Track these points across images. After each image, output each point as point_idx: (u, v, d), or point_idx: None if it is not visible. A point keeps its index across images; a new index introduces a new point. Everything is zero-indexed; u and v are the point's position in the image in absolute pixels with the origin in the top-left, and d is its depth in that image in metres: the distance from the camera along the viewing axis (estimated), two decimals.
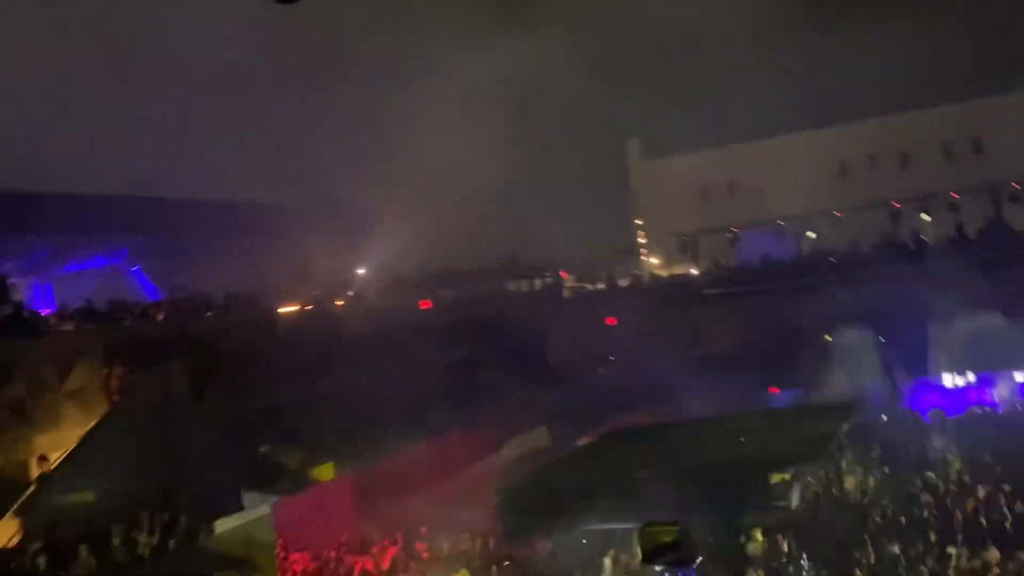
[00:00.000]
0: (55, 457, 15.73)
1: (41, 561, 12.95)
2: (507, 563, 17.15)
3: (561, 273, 35.44)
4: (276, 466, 17.32)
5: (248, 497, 16.34)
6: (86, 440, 15.74)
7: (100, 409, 16.49)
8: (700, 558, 11.86)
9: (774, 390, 26.40)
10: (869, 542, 15.52)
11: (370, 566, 18.07)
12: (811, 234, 34.28)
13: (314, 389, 19.16)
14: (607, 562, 16.20)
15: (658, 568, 11.55)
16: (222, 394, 17.31)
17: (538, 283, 34.59)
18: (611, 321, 30.40)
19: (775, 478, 14.84)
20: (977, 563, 14.47)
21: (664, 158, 39.17)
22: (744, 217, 35.39)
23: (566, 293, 34.87)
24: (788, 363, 26.21)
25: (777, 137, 36.00)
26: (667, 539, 11.23)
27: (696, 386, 22.57)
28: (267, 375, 18.47)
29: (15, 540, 14.56)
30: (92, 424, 16.13)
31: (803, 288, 29.41)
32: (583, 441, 22.32)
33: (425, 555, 18.48)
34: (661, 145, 38.58)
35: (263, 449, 16.93)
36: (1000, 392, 25.80)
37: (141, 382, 16.93)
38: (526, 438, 22.38)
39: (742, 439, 16.91)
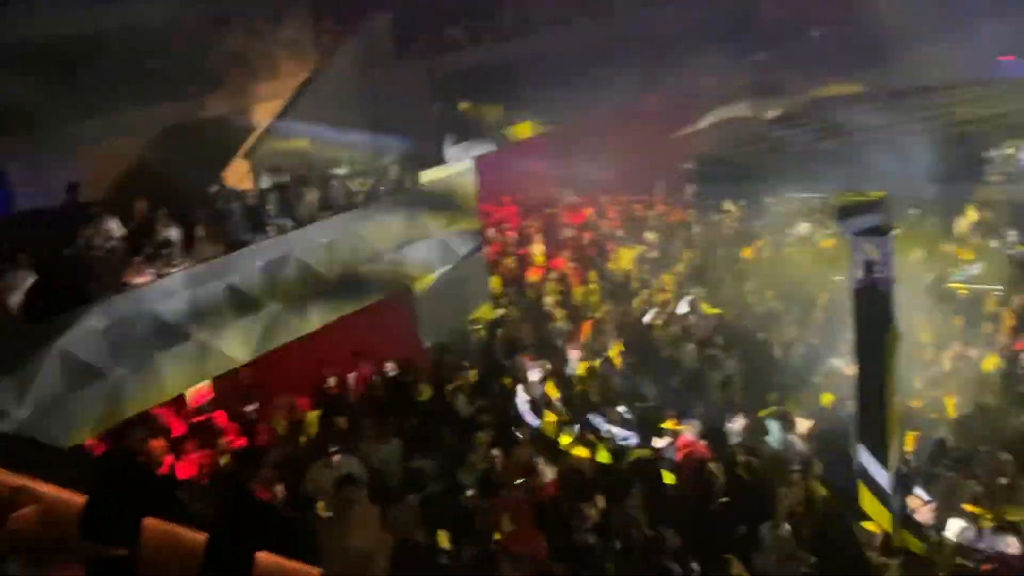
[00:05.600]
0: (273, 105, 16.87)
1: (271, 197, 14.40)
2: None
3: None
4: (476, 123, 17.79)
5: (450, 152, 17.07)
6: (300, 90, 16.68)
7: (311, 62, 17.24)
8: (897, 230, 11.46)
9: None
10: None
11: (569, 218, 18.99)
12: None
13: (512, 48, 19.08)
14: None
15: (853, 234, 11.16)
16: (424, 51, 17.57)
17: None
18: None
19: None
20: None
21: None
22: None
23: None
24: None
25: None
26: (866, 205, 10.77)
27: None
28: (468, 34, 18.48)
29: (246, 181, 16.25)
30: (305, 76, 16.99)
31: None
32: (777, 112, 21.48)
33: (614, 222, 19.10)
34: None
35: (463, 106, 17.35)
36: None
37: (348, 36, 17.41)
38: (726, 108, 21.66)
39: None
